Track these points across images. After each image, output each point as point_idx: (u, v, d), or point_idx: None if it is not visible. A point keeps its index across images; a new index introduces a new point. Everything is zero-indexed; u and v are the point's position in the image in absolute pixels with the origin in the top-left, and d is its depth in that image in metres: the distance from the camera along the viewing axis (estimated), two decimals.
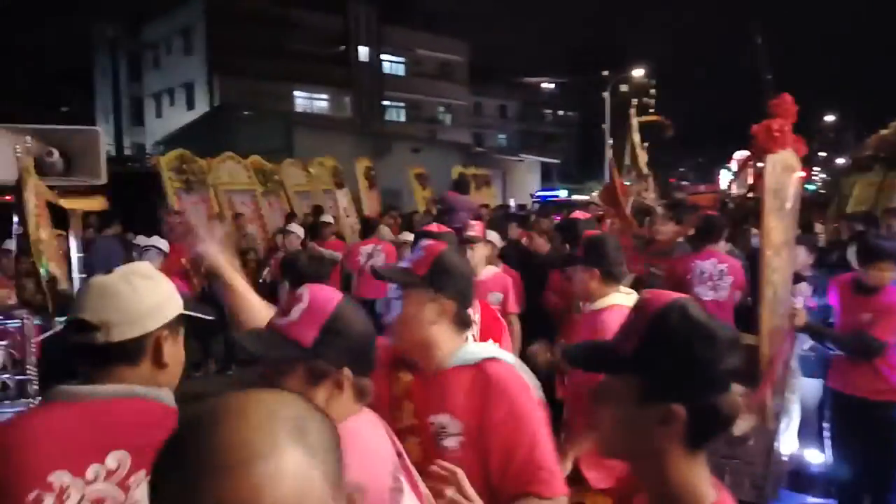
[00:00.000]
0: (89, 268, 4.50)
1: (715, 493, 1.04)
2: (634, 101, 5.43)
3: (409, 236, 5.47)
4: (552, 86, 54.37)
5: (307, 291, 1.34)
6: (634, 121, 4.95)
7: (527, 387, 1.69)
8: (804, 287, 3.63)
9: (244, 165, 11.83)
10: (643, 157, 4.88)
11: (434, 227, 2.95)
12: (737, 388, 3.68)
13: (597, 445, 1.22)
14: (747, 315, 3.81)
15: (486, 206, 16.91)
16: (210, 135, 20.52)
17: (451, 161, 22.09)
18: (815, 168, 32.67)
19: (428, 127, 37.65)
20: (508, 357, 1.75)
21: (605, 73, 47.25)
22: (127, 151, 27.95)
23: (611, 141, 4.60)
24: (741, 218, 6.08)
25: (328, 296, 1.34)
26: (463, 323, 1.70)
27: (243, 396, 0.65)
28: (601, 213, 5.13)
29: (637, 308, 1.10)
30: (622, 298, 2.65)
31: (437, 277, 1.66)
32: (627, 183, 4.87)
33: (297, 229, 6.54)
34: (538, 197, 26.78)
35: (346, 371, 1.29)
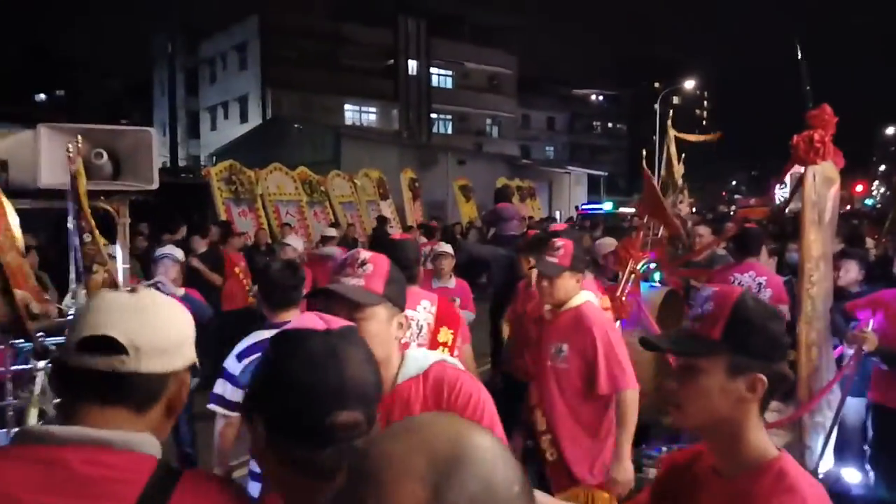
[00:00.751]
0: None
1: (776, 449, 1.22)
2: (671, 112, 5.37)
3: (447, 247, 5.51)
4: (601, 98, 53.90)
5: None
6: (672, 132, 4.90)
7: (476, 380, 1.70)
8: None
9: (291, 176, 12.17)
10: (679, 170, 4.82)
11: (397, 235, 3.07)
12: (773, 405, 3.59)
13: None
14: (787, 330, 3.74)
15: (531, 217, 16.90)
16: (261, 147, 21.16)
17: (496, 173, 22.13)
18: (874, 182, 31.37)
19: (475, 139, 37.81)
20: (451, 359, 1.76)
21: (657, 84, 46.66)
22: (182, 163, 29.03)
23: (644, 152, 4.56)
24: (784, 233, 5.90)
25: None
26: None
27: (435, 418, 0.66)
28: (637, 224, 5.09)
29: (715, 300, 1.25)
30: (588, 295, 3.05)
31: (393, 291, 1.59)
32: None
33: (295, 241, 6.47)
34: (583, 209, 26.52)
35: None
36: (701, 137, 5.73)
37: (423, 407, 1.59)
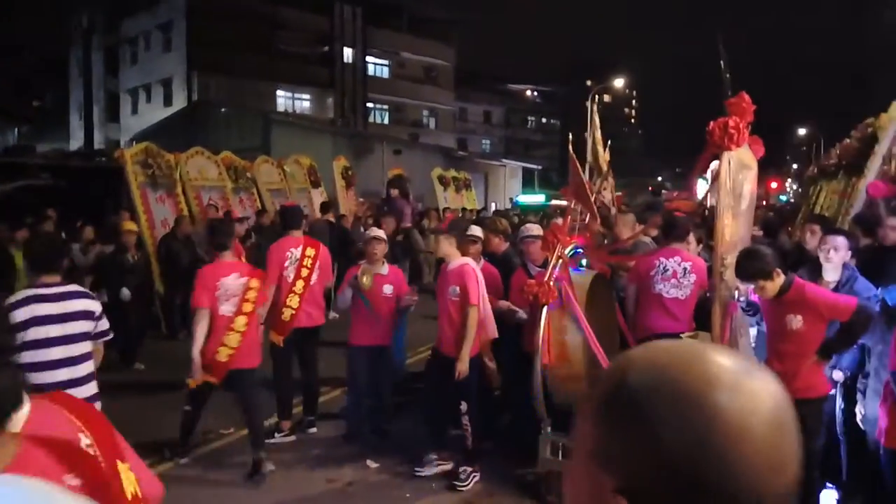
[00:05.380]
0: None
1: None
2: (598, 99, 5.41)
3: (379, 232, 5.43)
4: (536, 94, 54.68)
5: None
6: (596, 118, 4.90)
7: None
8: (743, 288, 3.63)
9: (215, 161, 11.64)
10: (604, 156, 4.82)
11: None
12: None
13: None
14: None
15: (465, 209, 16.88)
16: (186, 132, 20.24)
17: (432, 164, 22.04)
18: (788, 179, 33.20)
19: (411, 130, 37.57)
20: None
21: (589, 83, 47.68)
22: (101, 147, 27.52)
23: (571, 136, 4.57)
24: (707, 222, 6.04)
25: None
26: None
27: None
28: (564, 208, 5.09)
29: None
30: (468, 259, 4.52)
31: None
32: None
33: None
34: (517, 201, 26.84)
35: None
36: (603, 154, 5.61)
37: None
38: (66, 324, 3.28)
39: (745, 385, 0.56)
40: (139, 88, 32.55)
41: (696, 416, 0.54)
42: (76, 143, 29.85)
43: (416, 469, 4.57)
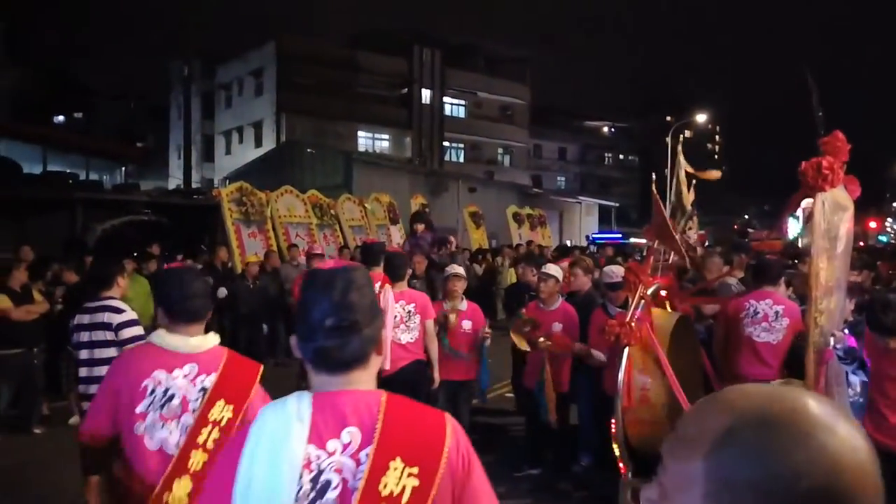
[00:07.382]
0: None
1: None
2: (682, 137, 5.34)
3: (460, 269, 5.54)
4: (613, 130, 54.18)
5: None
6: (681, 157, 4.86)
7: None
8: (839, 334, 3.46)
9: (302, 199, 12.23)
10: (688, 196, 4.76)
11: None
12: None
13: None
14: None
15: (540, 246, 16.84)
16: (275, 171, 21.35)
17: (507, 201, 22.20)
18: (888, 219, 31.10)
19: (487, 168, 38.02)
20: None
21: (669, 118, 46.91)
22: (197, 186, 29.35)
23: (654, 176, 4.53)
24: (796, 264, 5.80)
25: None
26: None
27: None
28: (647, 249, 5.03)
29: None
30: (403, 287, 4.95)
31: None
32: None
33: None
34: (594, 238, 26.49)
35: None
36: (704, 175, 5.58)
37: None
38: (91, 332, 3.97)
39: (839, 426, 0.57)
40: (232, 130, 34.65)
41: (818, 456, 0.55)
42: (174, 181, 32.03)
43: None
